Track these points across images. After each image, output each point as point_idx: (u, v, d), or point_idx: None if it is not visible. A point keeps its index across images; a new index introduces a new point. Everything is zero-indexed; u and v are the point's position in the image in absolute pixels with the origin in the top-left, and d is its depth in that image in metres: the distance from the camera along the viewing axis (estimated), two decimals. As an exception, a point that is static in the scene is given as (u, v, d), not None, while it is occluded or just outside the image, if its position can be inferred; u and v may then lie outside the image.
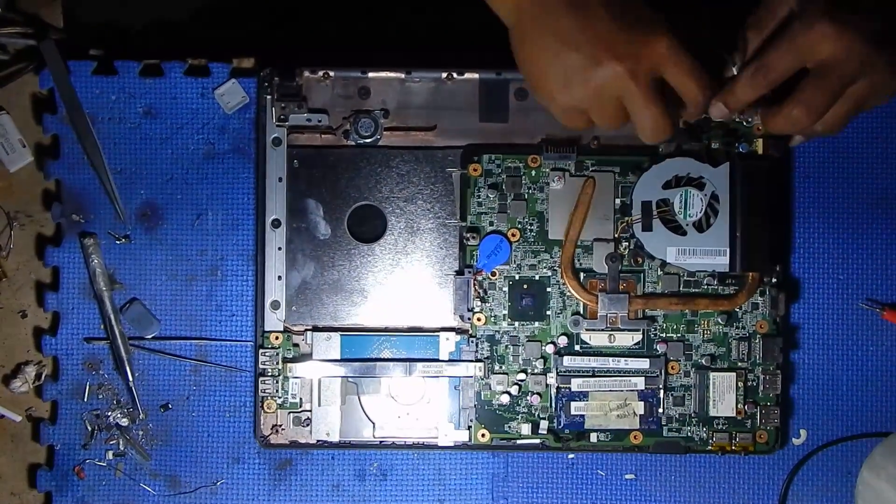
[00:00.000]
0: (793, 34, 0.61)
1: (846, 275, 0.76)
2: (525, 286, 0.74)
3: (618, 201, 0.74)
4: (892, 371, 0.76)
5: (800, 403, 0.76)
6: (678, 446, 0.74)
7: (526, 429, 0.74)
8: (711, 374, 0.74)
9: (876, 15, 0.61)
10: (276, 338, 0.74)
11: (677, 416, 0.74)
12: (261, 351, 0.74)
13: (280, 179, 0.74)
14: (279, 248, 0.74)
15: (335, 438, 0.74)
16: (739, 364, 0.74)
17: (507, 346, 0.74)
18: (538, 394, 0.74)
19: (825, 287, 0.76)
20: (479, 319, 0.74)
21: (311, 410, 0.74)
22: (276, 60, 0.74)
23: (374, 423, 0.74)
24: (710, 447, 0.74)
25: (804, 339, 0.76)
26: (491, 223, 0.74)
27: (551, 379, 0.74)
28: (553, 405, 0.74)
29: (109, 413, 0.76)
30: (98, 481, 0.76)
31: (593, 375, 0.74)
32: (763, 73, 0.63)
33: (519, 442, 0.74)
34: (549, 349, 0.74)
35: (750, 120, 0.73)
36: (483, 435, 0.74)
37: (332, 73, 0.74)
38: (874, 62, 0.61)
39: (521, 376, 0.74)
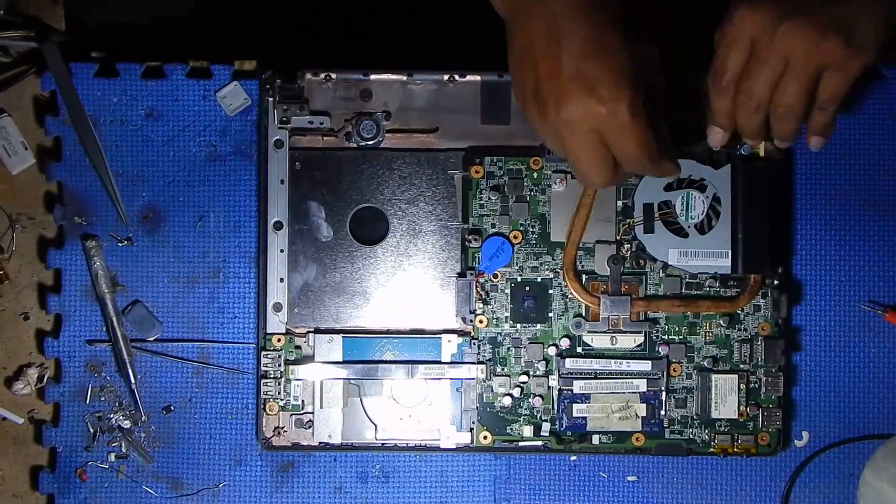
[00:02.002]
0: (721, 29, 0.63)
1: (848, 277, 0.76)
2: (527, 288, 0.74)
3: (619, 203, 0.74)
4: (894, 373, 0.76)
5: (802, 405, 0.76)
6: (680, 448, 0.74)
7: (528, 431, 0.74)
8: (713, 376, 0.74)
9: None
10: (278, 340, 0.74)
11: (679, 418, 0.74)
12: (263, 353, 0.74)
13: (282, 181, 0.74)
14: (281, 251, 0.74)
15: (337, 440, 0.74)
16: (741, 366, 0.74)
17: (509, 349, 0.74)
18: (540, 396, 0.74)
19: (827, 289, 0.76)
20: (480, 321, 0.74)
21: (313, 412, 0.74)
22: (277, 63, 0.74)
23: (376, 426, 0.74)
24: (712, 449, 0.74)
25: (806, 341, 0.76)
26: (493, 225, 0.74)
27: (553, 381, 0.74)
28: (555, 407, 0.74)
29: (111, 415, 0.76)
30: (100, 483, 0.76)
31: (595, 377, 0.74)
32: (719, 77, 0.64)
33: (521, 444, 0.74)
34: (551, 351, 0.74)
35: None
36: (485, 437, 0.74)
37: (333, 76, 0.74)
38: (792, 32, 0.61)
39: (523, 378, 0.74)
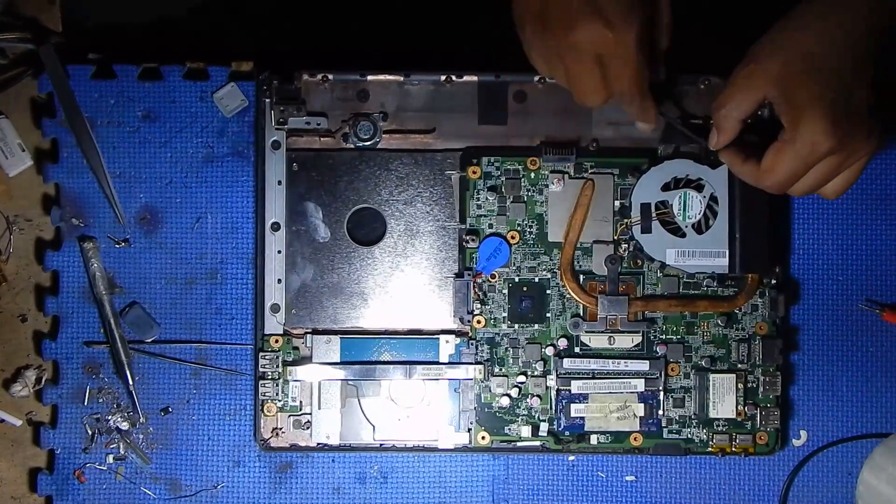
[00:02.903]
0: (778, 101, 0.61)
1: (846, 276, 0.76)
2: (525, 288, 0.74)
3: (617, 203, 0.74)
4: (891, 372, 0.76)
5: (800, 405, 0.76)
6: (678, 448, 0.74)
7: (526, 431, 0.74)
8: (711, 376, 0.74)
9: (845, 92, 0.61)
10: (276, 341, 0.74)
11: (677, 417, 0.74)
12: (261, 354, 0.74)
13: (279, 183, 0.74)
14: (279, 252, 0.74)
15: (335, 441, 0.74)
16: (739, 365, 0.74)
17: (506, 349, 0.74)
18: (538, 396, 0.74)
19: (825, 288, 0.76)
20: (478, 322, 0.74)
21: (311, 413, 0.74)
22: (274, 64, 0.74)
23: (374, 426, 0.74)
24: (710, 449, 0.74)
25: (804, 340, 0.76)
26: (490, 225, 0.74)
27: (551, 381, 0.74)
28: (553, 407, 0.74)
29: (110, 417, 0.76)
30: (98, 485, 0.76)
31: (593, 377, 0.74)
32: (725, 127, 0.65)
33: (519, 444, 0.74)
34: (549, 351, 0.74)
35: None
36: (483, 437, 0.74)
37: (330, 77, 0.74)
38: (845, 143, 0.61)
39: (521, 379, 0.74)
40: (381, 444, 0.74)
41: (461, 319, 0.74)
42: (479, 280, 0.74)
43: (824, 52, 0.60)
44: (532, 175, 0.74)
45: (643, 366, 0.74)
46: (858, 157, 0.63)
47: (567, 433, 0.74)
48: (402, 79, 0.74)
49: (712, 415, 0.74)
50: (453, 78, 0.74)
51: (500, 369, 0.74)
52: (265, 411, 0.74)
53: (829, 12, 0.61)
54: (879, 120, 0.62)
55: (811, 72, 0.60)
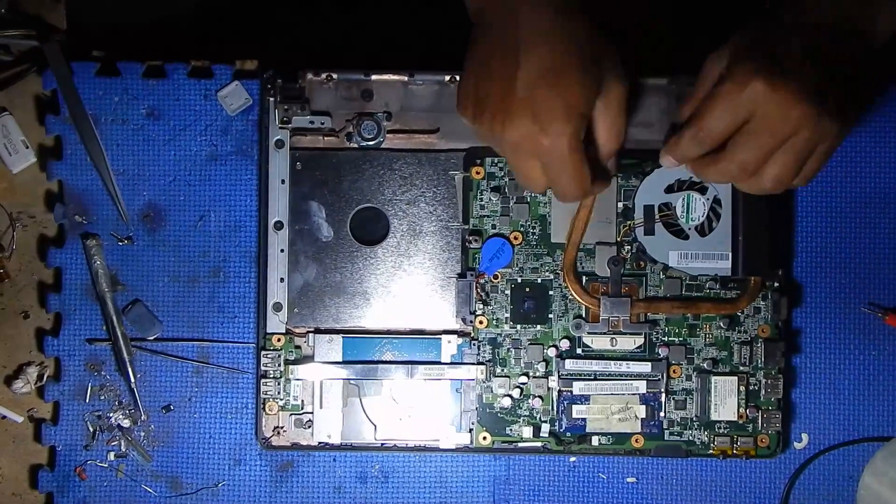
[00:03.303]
0: (726, 94, 0.60)
1: (848, 279, 0.76)
2: (527, 289, 0.74)
3: (620, 205, 0.74)
4: (894, 375, 0.76)
5: (801, 407, 0.76)
6: (679, 450, 0.74)
7: (527, 432, 0.74)
8: (713, 378, 0.74)
9: (807, 69, 0.60)
10: (278, 340, 0.74)
11: (679, 419, 0.74)
12: (263, 353, 0.74)
13: (283, 181, 0.74)
14: (281, 250, 0.74)
15: (337, 440, 0.74)
16: (741, 368, 0.74)
17: (508, 349, 0.74)
18: (540, 397, 0.74)
19: (827, 291, 0.76)
20: (480, 322, 0.74)
21: (312, 412, 0.74)
22: (279, 62, 0.74)
23: (375, 426, 0.74)
24: (711, 451, 0.74)
25: (806, 343, 0.76)
26: (493, 226, 0.74)
27: (553, 382, 0.74)
28: (555, 408, 0.74)
29: (111, 414, 0.76)
30: (99, 482, 0.76)
31: (595, 379, 0.74)
32: (703, 135, 0.62)
33: (520, 445, 0.74)
34: (551, 352, 0.74)
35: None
36: (484, 438, 0.74)
37: (335, 76, 0.74)
38: (808, 115, 0.60)
39: (523, 379, 0.74)
40: (382, 444, 0.74)
41: (463, 320, 0.74)
42: (481, 280, 0.74)
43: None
44: (535, 176, 0.74)
45: (645, 367, 0.74)
46: (830, 135, 0.61)
47: (568, 434, 0.74)
48: (406, 78, 0.74)
49: (714, 417, 0.74)
50: (457, 78, 0.74)
51: (502, 370, 0.74)
52: (267, 410, 0.74)
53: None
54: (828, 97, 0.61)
55: (759, 44, 0.60)
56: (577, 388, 0.74)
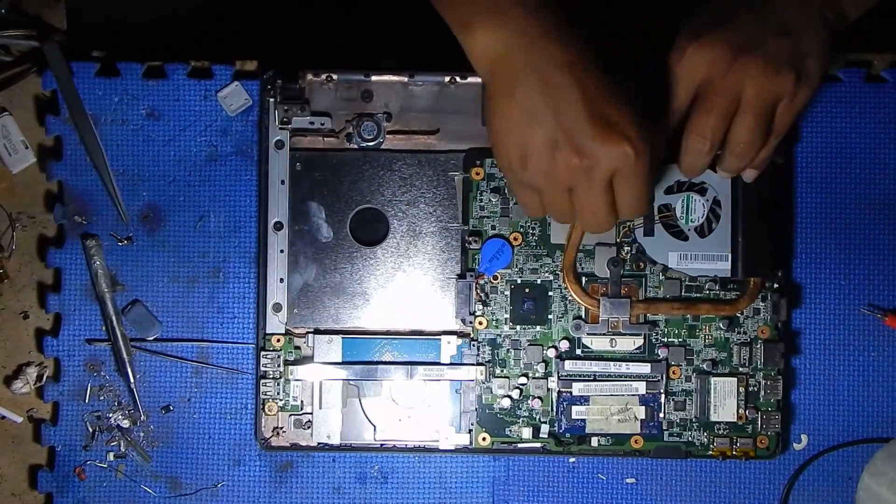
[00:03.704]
0: (669, 68, 0.62)
1: (848, 280, 0.76)
2: (527, 290, 0.74)
3: (620, 206, 0.74)
4: (893, 376, 0.76)
5: (801, 409, 0.76)
6: (679, 451, 0.74)
7: (527, 433, 0.74)
8: (713, 379, 0.74)
9: (735, 25, 0.60)
10: (278, 340, 0.74)
11: (678, 420, 0.74)
12: (262, 353, 0.74)
13: (282, 182, 0.74)
14: (281, 251, 0.74)
15: (336, 441, 0.74)
16: (741, 369, 0.74)
17: (508, 350, 0.74)
18: (539, 398, 0.74)
19: (827, 292, 0.76)
20: (480, 323, 0.74)
21: (312, 413, 0.74)
22: (279, 63, 0.74)
23: (374, 426, 0.74)
24: (710, 452, 0.74)
25: (805, 344, 0.76)
26: (493, 227, 0.74)
27: (552, 383, 0.74)
28: (554, 409, 0.74)
29: (110, 414, 0.76)
30: (99, 483, 0.76)
31: (594, 380, 0.74)
32: (667, 114, 0.63)
33: (520, 446, 0.74)
34: (551, 353, 0.74)
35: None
36: (484, 438, 0.74)
37: (335, 76, 0.74)
38: (746, 68, 0.60)
39: (523, 380, 0.74)
40: (381, 445, 0.74)
41: (463, 320, 0.74)
42: (481, 281, 0.74)
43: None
44: (535, 177, 0.74)
45: (644, 368, 0.74)
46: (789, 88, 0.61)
47: (568, 435, 0.74)
48: (406, 79, 0.74)
49: (713, 418, 0.74)
50: (457, 79, 0.74)
51: (502, 371, 0.74)
52: (266, 410, 0.74)
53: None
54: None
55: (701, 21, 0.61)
56: (577, 388, 0.74)
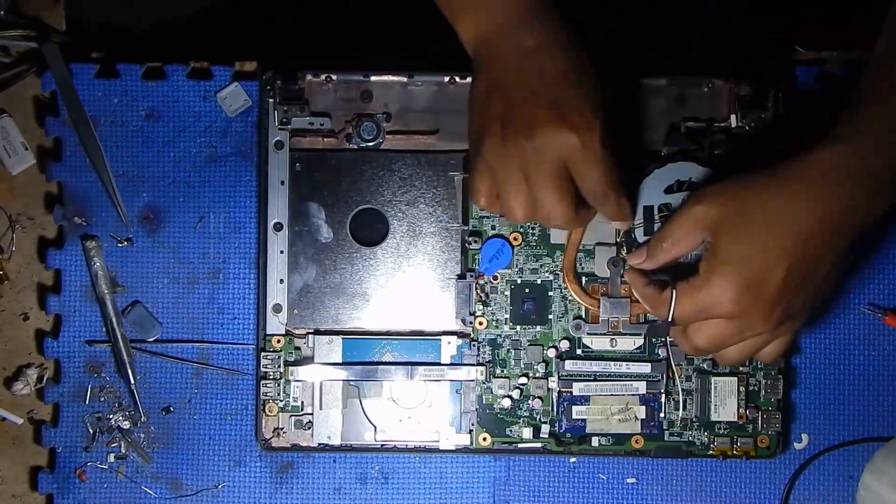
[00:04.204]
0: (701, 287, 0.61)
1: (848, 279, 0.76)
2: (527, 290, 0.74)
3: (620, 205, 0.74)
4: (893, 375, 0.76)
5: (801, 408, 0.76)
6: (680, 450, 0.74)
7: (527, 433, 0.74)
8: (713, 379, 0.74)
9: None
10: (278, 341, 0.74)
11: (679, 420, 0.74)
12: (262, 354, 0.74)
13: (282, 183, 0.74)
14: (281, 252, 0.74)
15: (337, 442, 0.74)
16: (741, 369, 0.74)
17: (508, 350, 0.74)
18: (540, 398, 0.74)
19: (827, 291, 0.76)
20: (480, 323, 0.74)
21: (312, 414, 0.74)
22: (278, 64, 0.74)
23: (375, 427, 0.74)
24: (711, 451, 0.74)
25: (806, 343, 0.76)
26: (493, 227, 0.74)
27: (553, 383, 0.74)
28: (554, 409, 0.74)
29: (111, 416, 0.76)
30: (99, 484, 0.76)
31: (595, 379, 0.74)
32: (659, 239, 0.64)
33: (520, 446, 0.74)
34: (551, 353, 0.74)
35: None
36: (484, 439, 0.74)
37: (334, 77, 0.74)
38: (751, 307, 0.60)
39: (523, 380, 0.74)
40: (382, 445, 0.74)
41: (463, 321, 0.74)
42: (481, 281, 0.74)
43: (773, 221, 0.59)
44: (535, 177, 0.74)
45: (645, 368, 0.74)
46: (757, 333, 0.62)
47: (568, 435, 0.74)
48: (405, 79, 0.74)
49: (714, 417, 0.74)
50: (457, 79, 0.74)
51: (502, 371, 0.74)
52: (267, 411, 0.74)
53: (794, 192, 0.59)
54: (808, 309, 0.62)
55: (749, 234, 0.59)
56: (577, 388, 0.74)
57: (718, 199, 0.61)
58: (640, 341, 0.74)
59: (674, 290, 0.63)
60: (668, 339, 0.73)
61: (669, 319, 0.63)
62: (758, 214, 0.59)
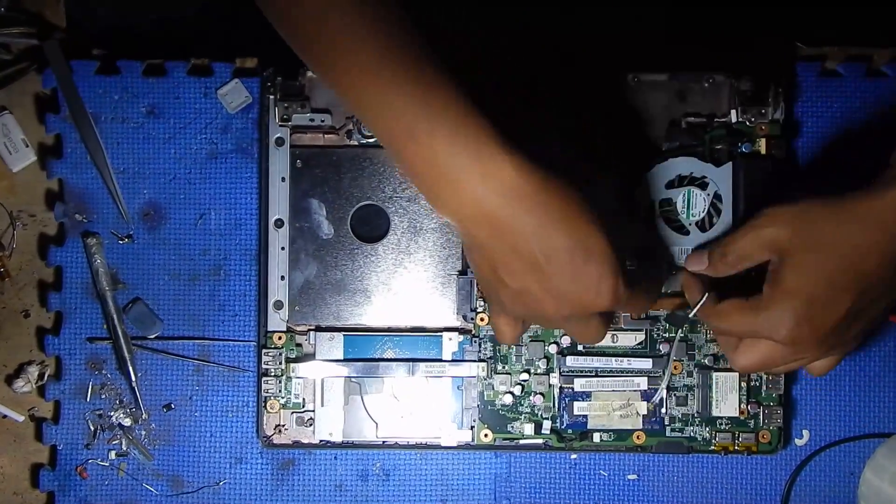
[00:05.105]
0: (760, 310, 0.61)
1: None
2: (528, 286, 0.74)
3: (621, 201, 0.74)
4: (895, 372, 0.76)
5: (802, 404, 0.76)
6: (681, 446, 0.74)
7: (529, 429, 0.74)
8: (714, 374, 0.74)
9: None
10: (279, 338, 0.74)
11: (680, 416, 0.74)
12: (264, 351, 0.74)
13: (283, 179, 0.74)
14: (282, 248, 0.74)
15: (338, 438, 0.74)
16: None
17: (509, 347, 0.74)
18: (541, 394, 0.74)
19: (828, 287, 0.76)
20: (481, 319, 0.74)
21: (313, 410, 0.74)
22: (279, 60, 0.74)
23: (376, 423, 0.74)
24: (712, 447, 0.74)
25: (807, 339, 0.76)
26: (494, 223, 0.74)
27: (554, 379, 0.74)
28: (556, 405, 0.74)
29: (112, 413, 0.76)
30: (101, 481, 0.76)
31: (596, 375, 0.74)
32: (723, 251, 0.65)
33: (522, 442, 0.74)
34: (552, 349, 0.74)
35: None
36: (486, 435, 0.74)
37: (335, 73, 0.74)
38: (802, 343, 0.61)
39: (524, 376, 0.74)
40: (383, 442, 0.74)
41: (464, 317, 0.74)
42: (482, 277, 0.74)
43: (842, 255, 0.59)
44: (536, 173, 0.74)
45: (646, 364, 0.74)
46: (806, 358, 0.63)
47: (570, 431, 0.74)
48: (406, 76, 0.74)
49: (715, 413, 0.74)
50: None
51: (503, 367, 0.74)
52: (268, 408, 0.74)
53: (865, 229, 0.59)
54: (862, 336, 0.63)
55: (817, 266, 0.59)
56: (579, 384, 0.74)
57: (792, 224, 0.60)
58: (641, 337, 0.74)
59: (706, 294, 0.65)
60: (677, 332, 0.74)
61: (690, 316, 0.66)
62: (828, 248, 0.59)
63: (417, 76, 0.56)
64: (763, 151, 0.74)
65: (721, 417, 0.74)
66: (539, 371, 0.74)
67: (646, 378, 0.74)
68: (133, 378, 0.75)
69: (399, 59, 0.56)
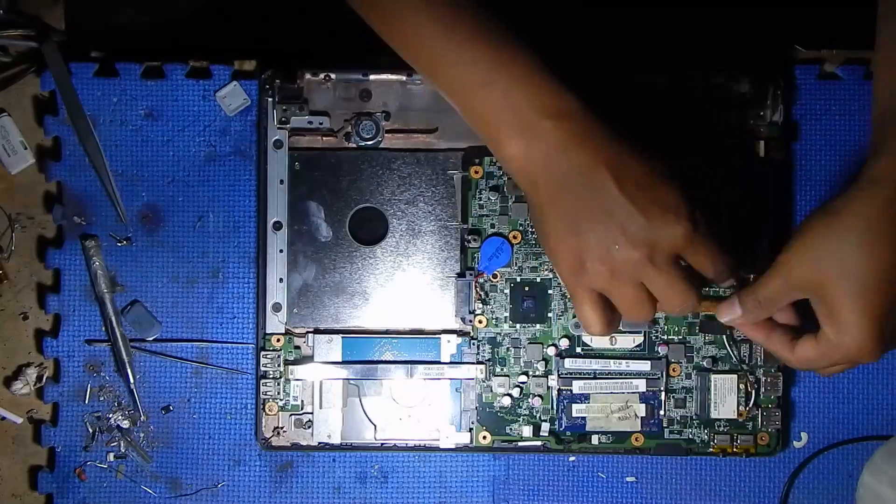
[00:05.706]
0: (833, 344, 0.61)
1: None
2: (526, 288, 0.74)
3: (619, 204, 0.74)
4: (893, 374, 0.76)
5: (801, 406, 0.76)
6: (679, 448, 0.74)
7: (527, 431, 0.74)
8: (713, 377, 0.74)
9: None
10: (278, 340, 0.74)
11: (679, 418, 0.74)
12: (262, 353, 0.74)
13: (281, 182, 0.74)
14: (280, 251, 0.74)
15: (336, 440, 0.74)
16: (741, 366, 0.74)
17: (508, 349, 0.74)
18: (539, 396, 0.74)
19: (826, 289, 0.76)
20: (480, 322, 0.74)
21: (312, 412, 0.74)
22: (277, 63, 0.74)
23: (375, 426, 0.74)
24: (711, 449, 0.74)
25: (805, 341, 0.76)
26: (492, 225, 0.74)
27: (553, 381, 0.74)
28: (554, 407, 0.74)
29: (110, 415, 0.76)
30: (99, 483, 0.76)
31: (595, 378, 0.74)
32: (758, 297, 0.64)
33: (520, 444, 0.74)
34: (551, 351, 0.74)
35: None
36: (484, 437, 0.74)
37: (333, 76, 0.74)
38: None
39: (523, 378, 0.74)
40: (382, 444, 0.74)
41: (463, 319, 0.74)
42: (480, 280, 0.74)
43: (873, 266, 0.58)
44: (534, 175, 0.74)
45: (644, 366, 0.74)
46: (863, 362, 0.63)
47: (568, 433, 0.74)
48: (404, 78, 0.74)
49: (713, 415, 0.74)
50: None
51: (502, 369, 0.74)
52: (266, 410, 0.74)
53: (882, 224, 0.59)
54: None
55: (858, 286, 0.59)
56: (577, 386, 0.74)
57: (819, 263, 0.60)
58: (639, 339, 0.74)
59: (738, 299, 0.65)
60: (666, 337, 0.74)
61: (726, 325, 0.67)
62: (853, 265, 0.59)
63: (489, 28, 0.61)
64: (762, 154, 0.74)
65: (719, 419, 0.74)
66: (537, 373, 0.74)
67: (644, 380, 0.74)
68: (131, 380, 0.75)
69: (473, 11, 0.61)
